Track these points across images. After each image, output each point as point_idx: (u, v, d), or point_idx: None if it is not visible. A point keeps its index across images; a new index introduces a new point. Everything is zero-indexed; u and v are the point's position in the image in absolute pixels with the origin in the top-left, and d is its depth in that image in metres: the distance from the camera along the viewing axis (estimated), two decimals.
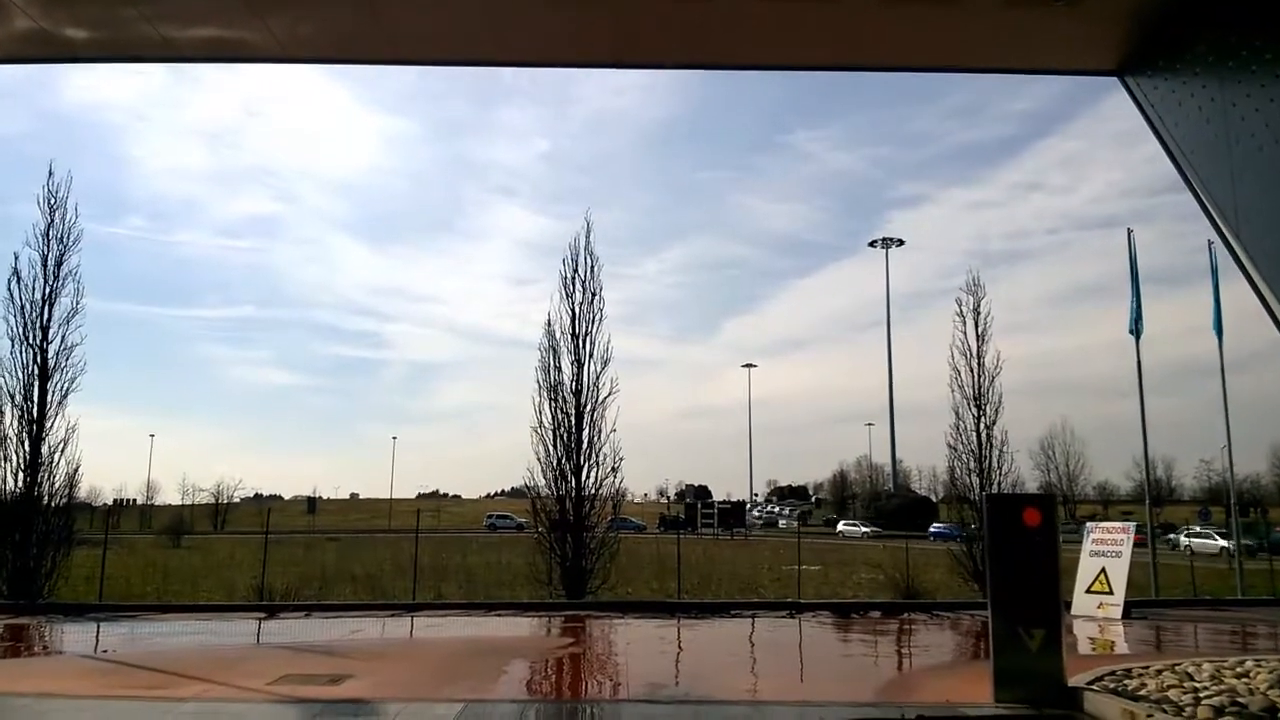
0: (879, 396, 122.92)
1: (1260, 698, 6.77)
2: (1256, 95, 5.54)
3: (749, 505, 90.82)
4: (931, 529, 60.72)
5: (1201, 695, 6.90)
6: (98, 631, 13.93)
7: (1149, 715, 6.47)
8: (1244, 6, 5.71)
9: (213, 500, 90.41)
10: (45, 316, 17.58)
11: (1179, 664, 8.39)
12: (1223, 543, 44.43)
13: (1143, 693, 7.20)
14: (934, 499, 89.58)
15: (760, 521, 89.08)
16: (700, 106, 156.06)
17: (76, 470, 17.56)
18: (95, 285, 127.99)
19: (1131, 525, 16.78)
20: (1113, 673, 8.01)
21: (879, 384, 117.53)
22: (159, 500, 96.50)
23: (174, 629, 14.62)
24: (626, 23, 7.29)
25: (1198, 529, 50.78)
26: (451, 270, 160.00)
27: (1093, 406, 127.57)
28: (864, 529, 70.46)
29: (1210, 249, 23.13)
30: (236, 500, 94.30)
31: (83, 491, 22.86)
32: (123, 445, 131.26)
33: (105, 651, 11.89)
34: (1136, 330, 22.38)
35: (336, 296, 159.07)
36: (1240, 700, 6.69)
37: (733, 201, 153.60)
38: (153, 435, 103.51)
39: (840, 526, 76.10)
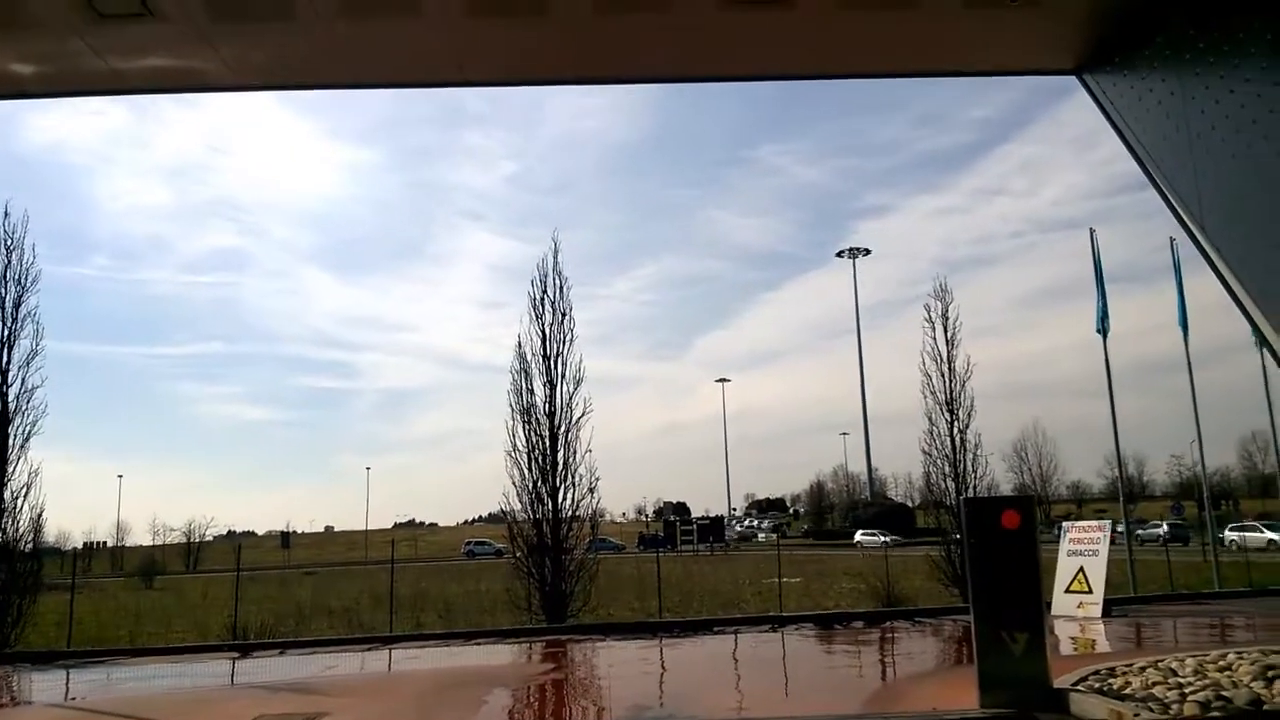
0: (853, 405, 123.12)
1: (1245, 690, 6.76)
2: (1216, 87, 5.57)
3: (728, 520, 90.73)
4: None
5: (1187, 691, 6.88)
6: (67, 678, 13.58)
7: (1135, 714, 6.43)
8: None
9: (184, 539, 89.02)
10: (4, 359, 17.21)
11: (1162, 660, 8.37)
12: (1271, 535, 45.17)
13: (1128, 691, 7.17)
14: (911, 505, 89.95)
15: (738, 535, 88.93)
16: (666, 124, 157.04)
17: (41, 514, 17.16)
18: (60, 326, 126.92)
19: (1108, 523, 16.85)
20: (1097, 672, 7.98)
21: (852, 393, 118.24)
22: (130, 541, 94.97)
23: (146, 673, 14.29)
24: (586, 39, 7.23)
25: (1262, 525, 50.56)
26: (421, 296, 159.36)
27: (1063, 407, 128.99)
28: (884, 538, 63.90)
29: (1173, 245, 23.44)
30: (209, 538, 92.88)
31: (51, 535, 22.47)
32: (91, 487, 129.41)
33: (74, 699, 11.61)
34: (1103, 329, 22.59)
35: (306, 328, 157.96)
36: (1225, 694, 6.67)
37: (702, 217, 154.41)
38: (120, 476, 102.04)
39: (859, 537, 71.71)
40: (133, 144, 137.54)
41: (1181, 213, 6.16)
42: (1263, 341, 5.79)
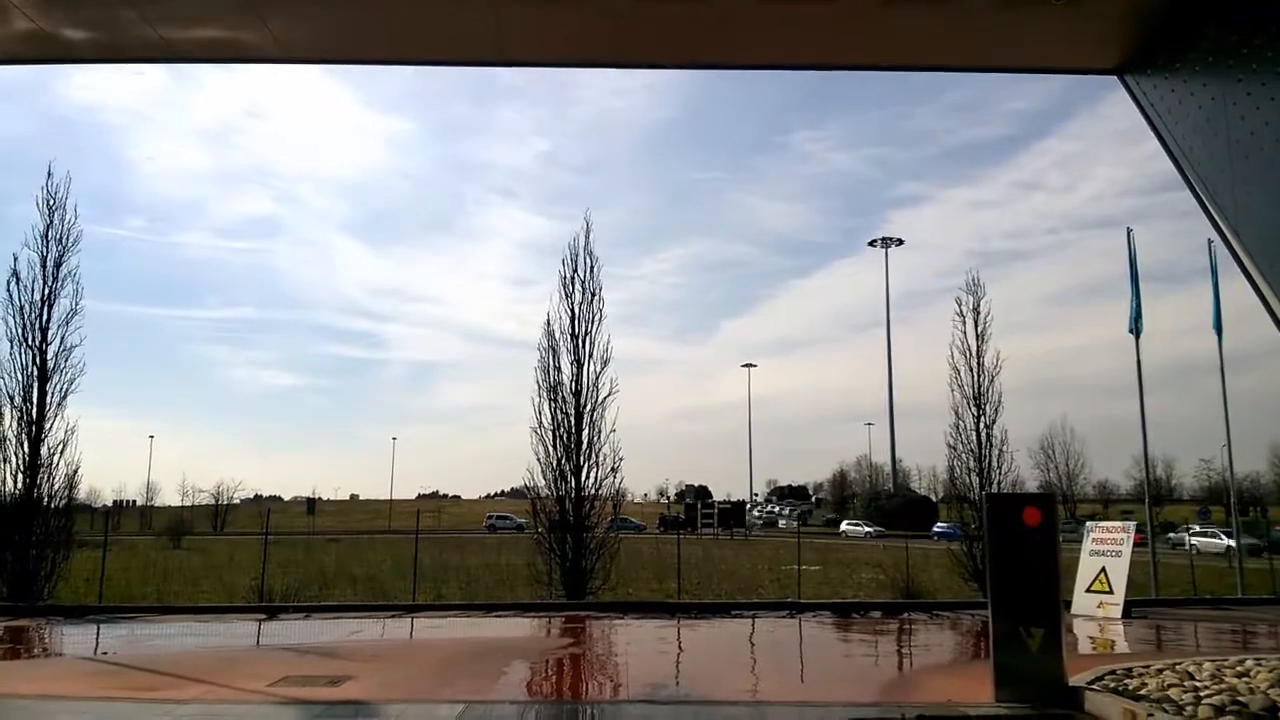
0: (879, 396, 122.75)
1: (1261, 697, 6.77)
2: (1257, 94, 5.54)
3: (749, 505, 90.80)
4: (935, 529, 60.35)
5: (1202, 694, 6.90)
6: (98, 633, 13.91)
7: (1150, 715, 6.47)
8: (1245, 5, 5.71)
9: (212, 501, 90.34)
10: (44, 318, 17.56)
11: (1179, 663, 8.39)
12: (1228, 541, 44.40)
13: (1143, 692, 7.20)
14: (934, 499, 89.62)
15: (760, 521, 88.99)
16: (699, 107, 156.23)
17: (76, 471, 17.56)
18: (95, 287, 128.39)
19: (1131, 525, 16.77)
20: (1113, 672, 8.01)
21: (879, 384, 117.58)
22: (159, 502, 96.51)
23: (174, 630, 14.61)
24: (625, 23, 7.28)
25: (1197, 528, 50.61)
26: (451, 270, 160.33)
27: (1092, 406, 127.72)
28: (866, 529, 69.83)
29: (1210, 247, 23.12)
30: (236, 501, 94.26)
31: (82, 493, 22.87)
32: (123, 446, 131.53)
33: (105, 653, 11.88)
34: (1136, 329, 22.36)
35: (337, 297, 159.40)
36: (1241, 699, 6.69)
37: (732, 201, 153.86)
38: (152, 436, 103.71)
39: (843, 526, 75.51)
40: (171, 105, 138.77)
41: (1216, 217, 6.15)
42: None
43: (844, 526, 75.23)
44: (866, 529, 69.81)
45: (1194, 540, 46.36)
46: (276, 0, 6.91)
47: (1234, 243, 5.94)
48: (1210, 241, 23.07)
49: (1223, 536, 45.61)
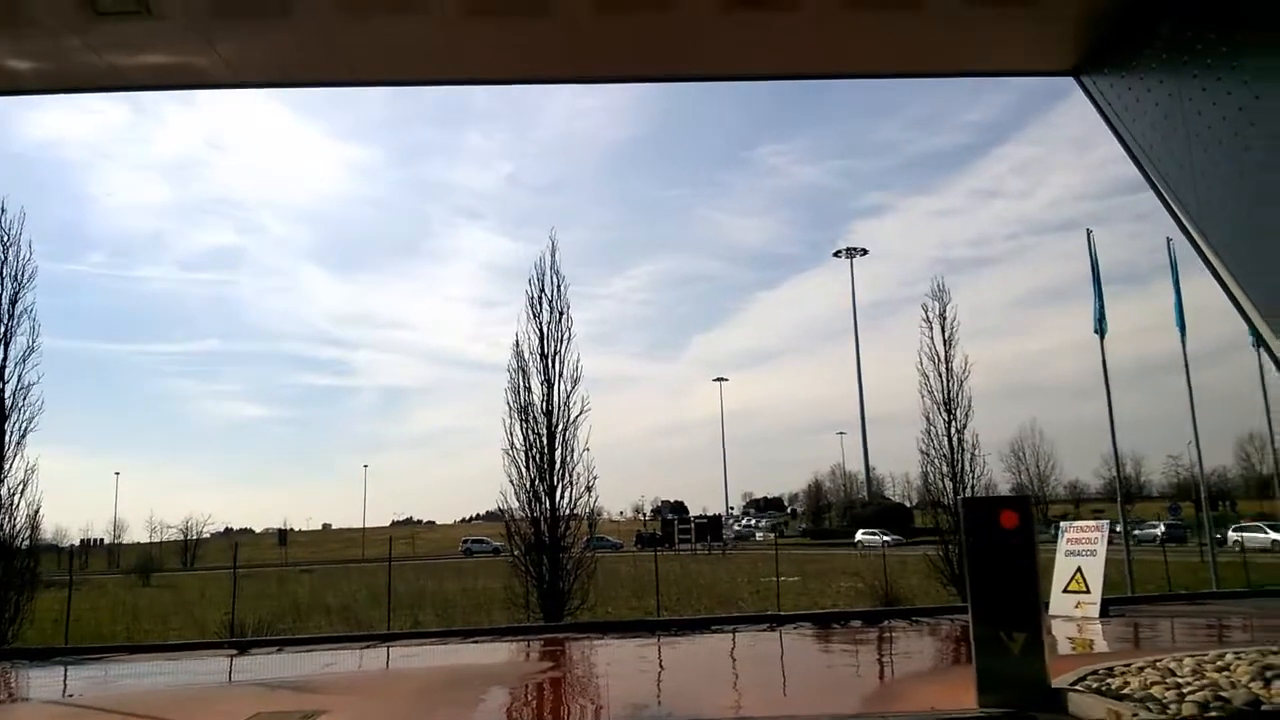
0: (850, 405, 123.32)
1: (1243, 691, 6.76)
2: (1213, 89, 5.56)
3: (725, 519, 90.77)
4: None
5: (1185, 691, 6.88)
6: (65, 675, 13.57)
7: (1134, 714, 6.43)
8: (1197, 1, 5.75)
9: (182, 537, 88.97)
10: (1, 356, 17.24)
11: (1160, 660, 8.38)
12: (1275, 535, 45.02)
13: (1126, 691, 7.17)
14: (909, 505, 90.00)
15: (737, 534, 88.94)
16: (663, 124, 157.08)
17: (37, 512, 17.20)
18: (58, 323, 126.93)
19: (1106, 523, 16.86)
20: (1095, 672, 7.98)
21: (850, 393, 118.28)
22: (127, 539, 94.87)
23: (144, 670, 14.29)
24: (585, 37, 7.22)
25: (1248, 523, 50.56)
26: (419, 295, 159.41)
27: (1061, 407, 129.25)
28: (885, 538, 63.41)
29: (1169, 246, 23.48)
30: (206, 536, 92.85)
31: (48, 533, 22.46)
32: (88, 484, 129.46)
33: (72, 696, 11.59)
34: (1101, 330, 22.61)
35: (303, 325, 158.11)
36: (1223, 694, 6.67)
37: (699, 217, 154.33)
38: (118, 473, 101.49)
39: (859, 536, 70.65)
40: (131, 140, 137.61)
41: (1179, 214, 6.16)
42: (1260, 343, 5.79)
43: (860, 536, 70.47)
44: (885, 538, 63.68)
45: (1238, 536, 45.99)
46: (226, 24, 6.78)
47: (1197, 237, 5.96)
48: (1170, 240, 23.44)
49: (1268, 530, 46.07)
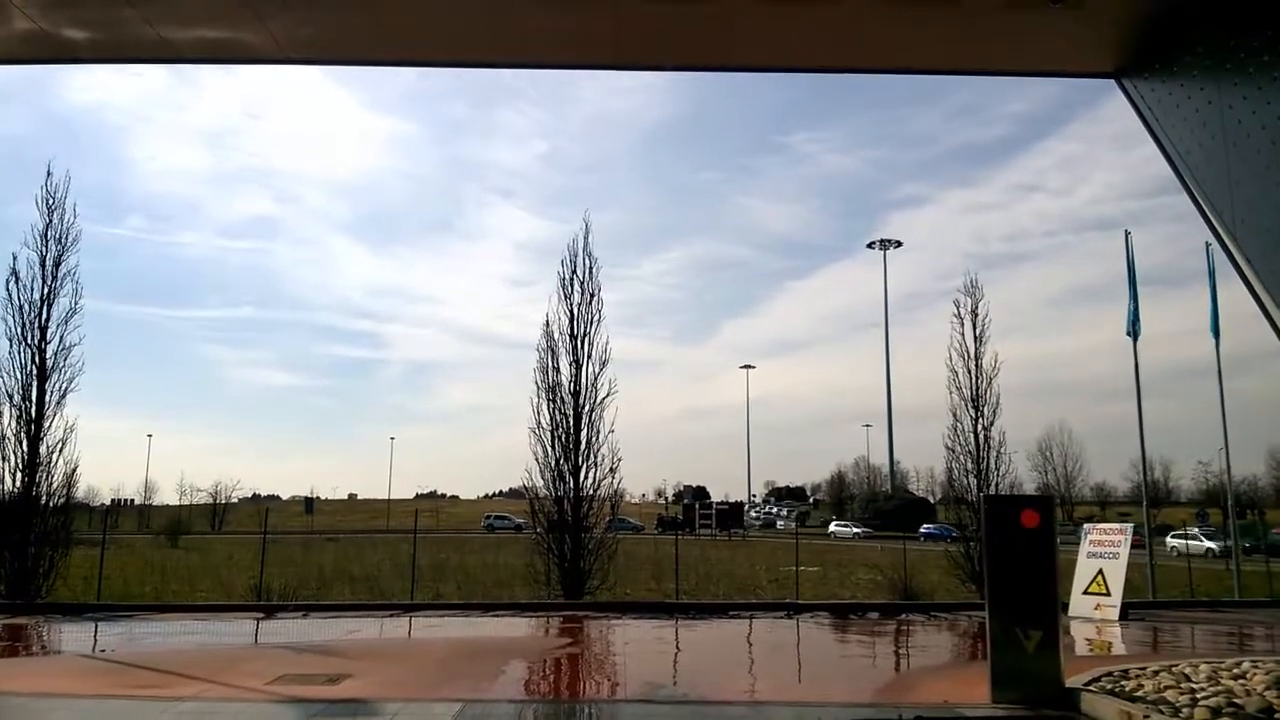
0: (877, 398, 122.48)
1: (1257, 699, 6.79)
2: (1254, 98, 5.56)
3: (747, 506, 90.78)
4: (922, 529, 60.21)
5: (1199, 696, 6.92)
6: (96, 631, 13.93)
7: (1146, 716, 6.49)
8: (1242, 8, 5.72)
9: (211, 500, 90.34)
10: (43, 316, 17.61)
11: (1176, 665, 8.41)
12: (1209, 544, 44.71)
13: (1140, 694, 7.22)
14: (931, 500, 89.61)
15: (758, 523, 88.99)
16: (699, 108, 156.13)
17: (74, 470, 17.60)
18: (95, 286, 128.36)
19: (1129, 527, 16.78)
20: (1110, 674, 8.03)
21: (877, 385, 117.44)
22: (157, 501, 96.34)
23: (172, 629, 14.62)
24: (626, 24, 7.29)
25: (1185, 531, 50.75)
26: (451, 271, 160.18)
27: (1090, 408, 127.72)
28: (854, 529, 70.55)
29: (1208, 251, 23.16)
30: (234, 500, 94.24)
31: (81, 492, 22.86)
32: (121, 446, 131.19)
33: (103, 651, 11.89)
34: (1134, 332, 22.39)
35: (336, 297, 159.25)
36: (1237, 701, 6.71)
37: (731, 203, 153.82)
38: (150, 435, 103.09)
39: (831, 527, 75.51)
40: (170, 106, 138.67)
41: (1214, 219, 6.17)
42: None
43: (832, 527, 75.25)
44: (854, 529, 70.56)
45: (1174, 542, 46.69)
46: (276, 1, 6.92)
47: (1231, 246, 5.96)
48: (1208, 244, 23.10)
49: (1203, 539, 46.00)
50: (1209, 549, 43.77)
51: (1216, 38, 5.99)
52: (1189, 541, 43.95)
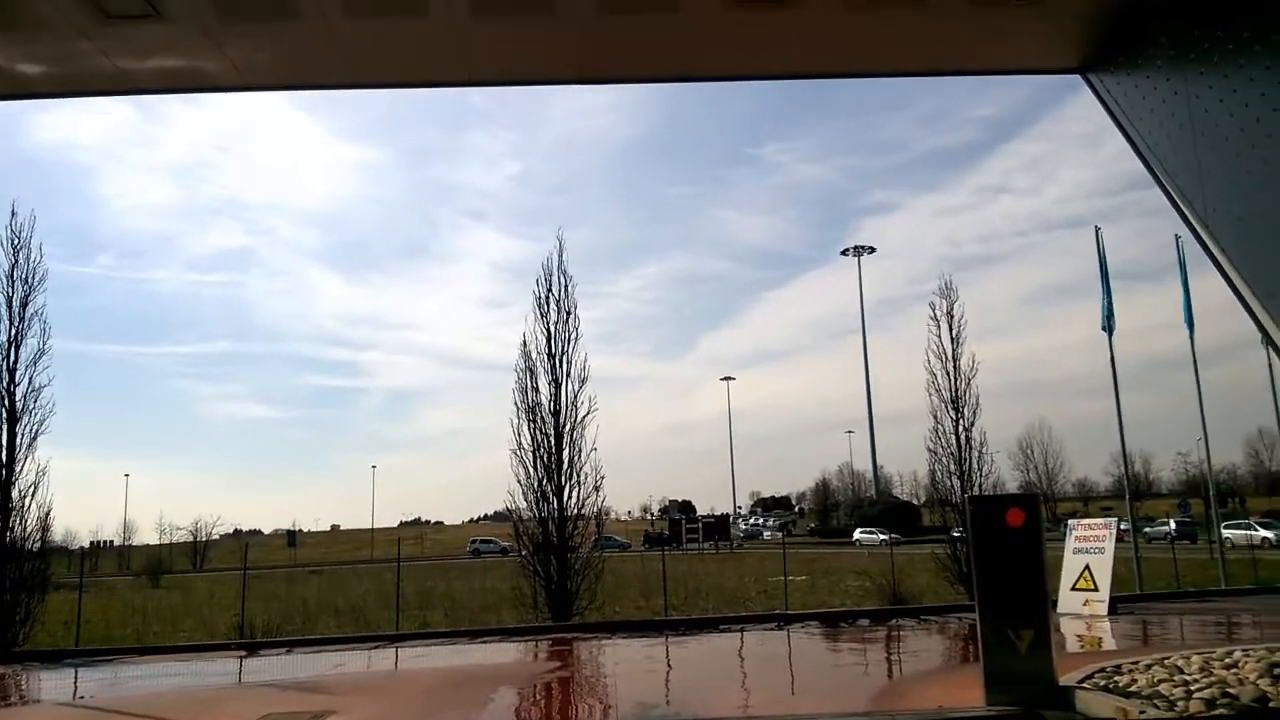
0: (858, 404, 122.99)
1: (1251, 688, 6.76)
2: (1219, 87, 5.56)
3: (733, 517, 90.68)
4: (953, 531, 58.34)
5: (1193, 689, 6.88)
6: (75, 677, 13.65)
7: (1141, 711, 6.44)
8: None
9: (191, 538, 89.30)
10: (11, 359, 17.31)
11: (1168, 658, 8.37)
12: (1266, 533, 45.35)
13: (1134, 689, 7.17)
14: (916, 503, 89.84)
15: (744, 533, 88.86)
16: (668, 123, 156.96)
17: (48, 514, 17.25)
18: (67, 325, 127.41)
19: (1114, 521, 16.82)
20: (1103, 669, 7.98)
21: (857, 391, 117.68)
22: (137, 540, 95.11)
23: (153, 671, 14.35)
24: (592, 38, 7.24)
25: (1246, 521, 51.21)
26: (426, 295, 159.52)
27: (1069, 405, 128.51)
28: (881, 536, 64.02)
29: (1178, 243, 23.41)
30: (215, 537, 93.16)
31: (58, 534, 22.54)
32: (98, 486, 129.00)
33: (82, 698, 11.65)
34: (1109, 327, 22.54)
35: (312, 326, 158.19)
36: (1231, 691, 6.67)
37: (705, 216, 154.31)
38: (127, 475, 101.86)
39: (856, 535, 71.47)
40: (139, 143, 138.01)
41: (1185, 211, 6.16)
42: (1268, 340, 5.78)
43: (857, 535, 70.94)
44: (881, 536, 63.87)
45: (1230, 533, 46.89)
46: (234, 28, 6.81)
47: (1204, 235, 5.95)
48: (1178, 237, 23.38)
49: (1258, 529, 46.89)
50: (1264, 538, 44.48)
51: (1180, 28, 6.00)
52: (1249, 533, 44.60)
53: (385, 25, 6.83)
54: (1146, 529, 49.41)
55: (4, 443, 16.95)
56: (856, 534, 72.43)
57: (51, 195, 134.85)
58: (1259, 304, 5.65)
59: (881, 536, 63.00)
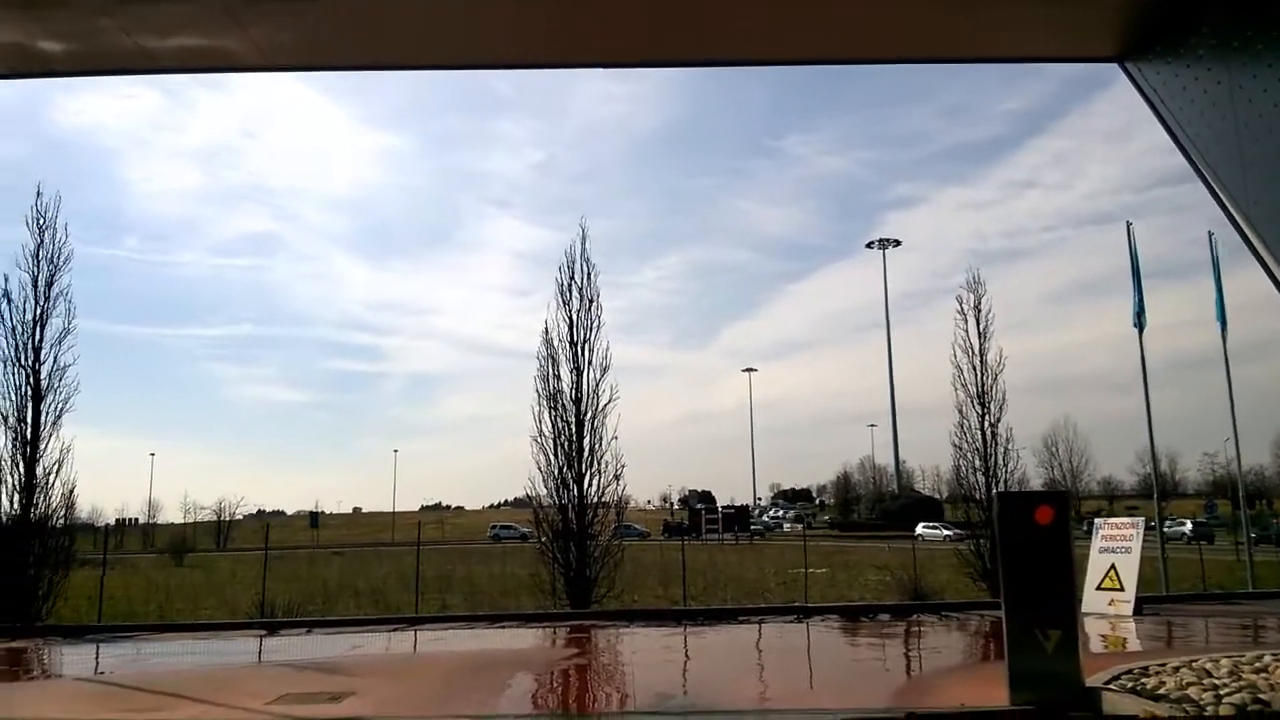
0: (881, 397, 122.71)
1: None
2: (1264, 76, 5.39)
3: (753, 509, 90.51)
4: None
5: (1222, 693, 6.73)
6: (97, 653, 13.76)
7: (1170, 715, 6.30)
8: None
9: (215, 518, 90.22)
10: (37, 337, 17.50)
11: (1196, 660, 8.21)
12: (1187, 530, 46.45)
13: (1162, 691, 7.03)
14: (938, 498, 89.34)
15: (765, 525, 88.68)
16: (691, 113, 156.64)
17: (72, 491, 17.48)
18: (94, 307, 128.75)
19: (1141, 520, 16.57)
20: (1129, 671, 7.84)
21: (880, 385, 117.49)
22: (161, 519, 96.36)
23: (174, 649, 14.45)
24: (616, 21, 7.14)
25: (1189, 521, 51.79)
26: (450, 282, 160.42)
27: (1095, 402, 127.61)
28: (946, 531, 57.90)
29: (1211, 239, 23.02)
30: (239, 517, 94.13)
31: (84, 512, 22.80)
32: (124, 465, 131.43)
33: (103, 673, 11.74)
34: (1140, 323, 22.21)
35: (336, 312, 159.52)
36: (1263, 697, 6.52)
37: (726, 207, 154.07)
38: (153, 454, 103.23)
39: (919, 529, 66.60)
40: (165, 127, 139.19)
41: (1226, 203, 5.99)
42: None
43: (920, 530, 66.18)
44: (946, 531, 57.41)
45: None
46: (256, 6, 6.76)
47: (1245, 229, 5.78)
48: (1211, 234, 22.98)
49: (1187, 523, 47.79)
50: (1184, 534, 45.20)
51: (1223, 18, 5.82)
52: None
53: (405, 5, 6.77)
54: (1163, 529, 49.24)
55: (30, 420, 17.15)
56: (919, 528, 68.16)
57: (79, 178, 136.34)
58: None
59: (946, 532, 57.51)
